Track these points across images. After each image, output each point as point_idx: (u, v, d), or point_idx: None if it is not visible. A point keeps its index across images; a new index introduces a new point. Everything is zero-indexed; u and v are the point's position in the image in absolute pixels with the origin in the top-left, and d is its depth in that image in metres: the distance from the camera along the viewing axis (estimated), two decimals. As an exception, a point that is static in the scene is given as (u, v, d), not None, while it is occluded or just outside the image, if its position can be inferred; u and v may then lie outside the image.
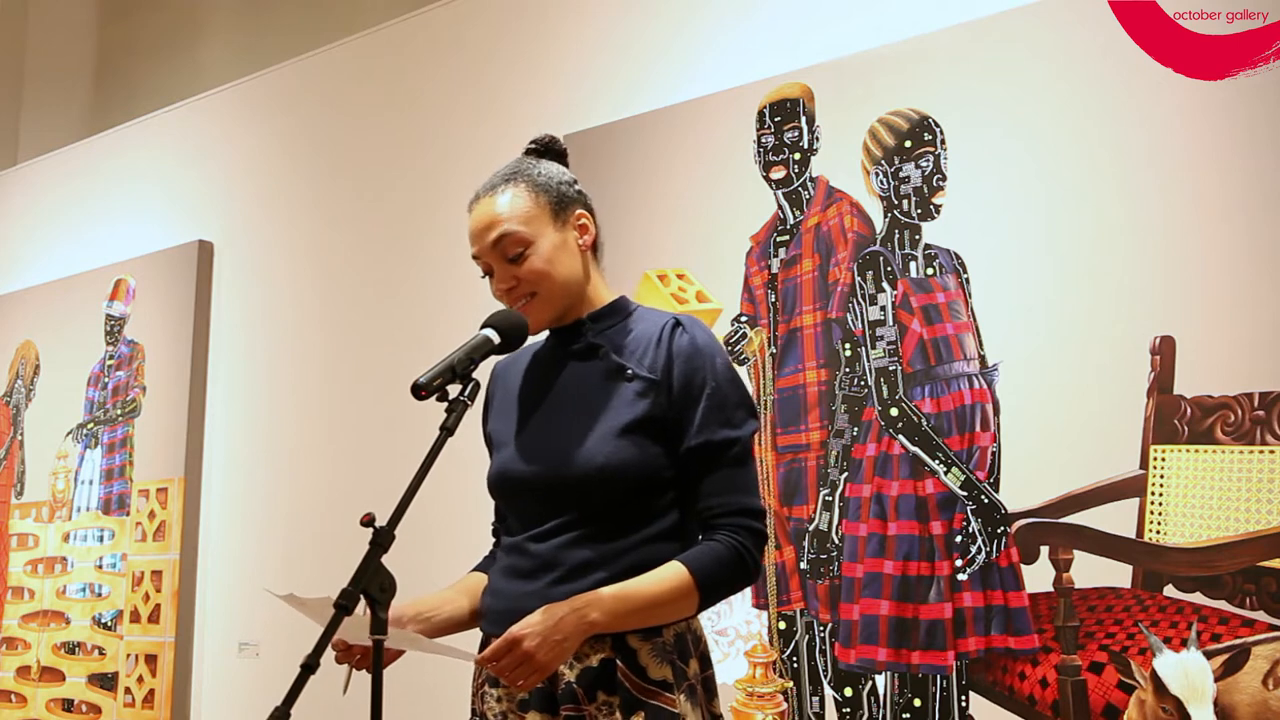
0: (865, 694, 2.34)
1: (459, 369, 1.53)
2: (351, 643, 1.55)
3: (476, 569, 1.80)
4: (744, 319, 2.63)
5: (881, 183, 2.45)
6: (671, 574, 1.52)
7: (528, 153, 1.75)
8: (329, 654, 1.45)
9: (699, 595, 1.53)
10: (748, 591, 2.51)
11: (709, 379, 1.59)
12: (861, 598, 2.35)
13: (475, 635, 1.73)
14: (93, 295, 4.24)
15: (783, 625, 2.47)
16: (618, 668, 1.52)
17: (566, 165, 1.76)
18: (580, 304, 1.69)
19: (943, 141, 2.38)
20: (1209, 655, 1.97)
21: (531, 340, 1.72)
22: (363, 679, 1.54)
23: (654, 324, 1.65)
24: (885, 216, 2.44)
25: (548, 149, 1.76)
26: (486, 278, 1.69)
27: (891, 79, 2.46)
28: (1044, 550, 2.17)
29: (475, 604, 1.72)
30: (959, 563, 2.25)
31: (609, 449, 1.57)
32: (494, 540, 1.82)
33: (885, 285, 2.41)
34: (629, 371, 1.61)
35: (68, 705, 3.97)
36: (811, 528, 2.45)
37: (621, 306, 1.71)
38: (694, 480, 1.59)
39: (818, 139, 2.56)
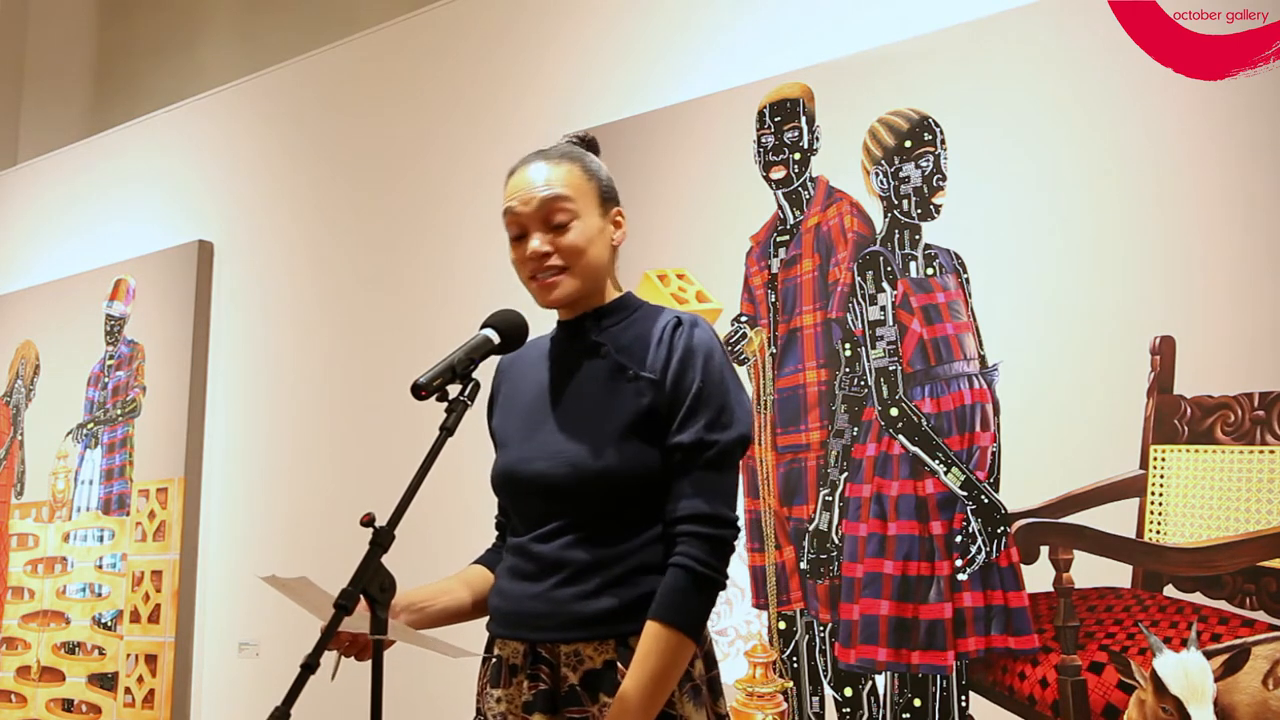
0: (865, 694, 2.34)
1: (459, 369, 1.53)
2: (340, 631, 1.54)
3: (478, 561, 1.79)
4: (744, 319, 2.63)
5: (881, 183, 2.45)
6: (656, 641, 1.49)
7: (570, 144, 1.75)
8: (329, 655, 1.45)
9: (688, 635, 1.50)
10: (748, 591, 2.52)
11: (695, 379, 1.57)
12: (861, 598, 2.35)
13: (463, 630, 1.72)
14: (93, 295, 4.24)
15: (783, 625, 2.47)
16: (619, 670, 1.52)
17: None
18: (593, 297, 1.68)
19: (943, 141, 2.38)
20: (1209, 655, 1.97)
21: (534, 336, 1.71)
22: (358, 674, 1.54)
23: (657, 323, 1.64)
24: (885, 216, 2.44)
25: (590, 145, 1.76)
26: (514, 242, 1.65)
27: (891, 79, 2.46)
28: (1044, 550, 2.17)
29: (477, 596, 1.71)
30: (959, 563, 2.25)
31: (611, 452, 1.56)
32: (498, 533, 1.82)
33: (885, 285, 2.41)
34: (630, 372, 1.61)
35: (68, 705, 3.97)
36: (811, 528, 2.45)
37: (627, 303, 1.71)
38: (669, 482, 1.57)
39: (818, 139, 2.56)
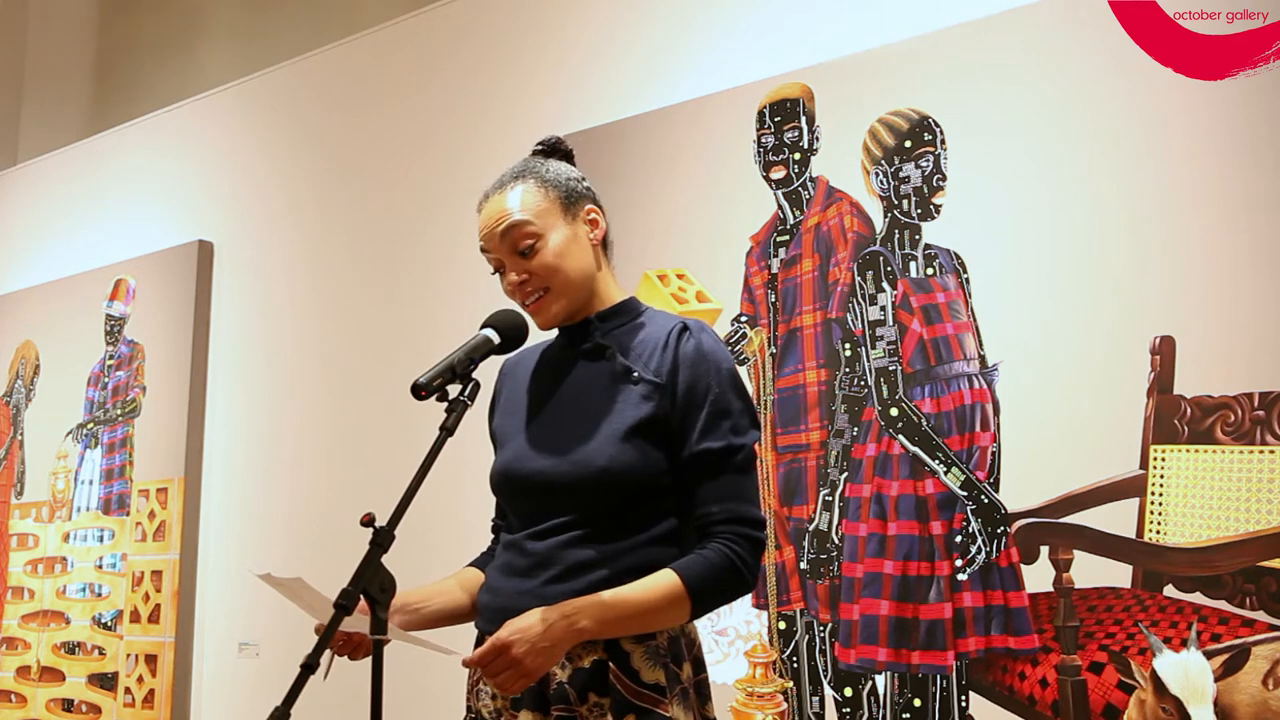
0: (865, 694, 2.34)
1: (459, 369, 1.54)
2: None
3: (472, 564, 1.80)
4: (744, 319, 2.63)
5: (881, 183, 2.45)
6: (663, 582, 1.51)
7: (534, 154, 1.76)
8: (329, 655, 1.45)
9: (690, 603, 1.52)
10: (748, 591, 2.51)
11: (713, 385, 1.59)
12: (861, 598, 2.35)
13: (456, 630, 1.72)
14: (93, 295, 4.24)
15: (783, 625, 2.47)
16: (610, 670, 1.52)
17: (573, 165, 1.76)
18: (591, 301, 1.69)
19: (943, 141, 2.38)
20: (1209, 655, 1.97)
21: (540, 338, 1.72)
22: (357, 674, 1.54)
23: (661, 327, 1.65)
24: (885, 216, 2.44)
25: (554, 149, 1.76)
26: (497, 275, 1.69)
27: (891, 79, 2.46)
28: (1044, 550, 2.17)
29: (474, 597, 1.72)
30: (959, 563, 2.25)
31: (611, 452, 1.56)
32: (493, 536, 1.82)
33: (885, 285, 2.41)
34: (635, 374, 1.61)
35: (68, 705, 3.97)
36: (811, 528, 2.45)
37: (630, 307, 1.71)
38: (693, 487, 1.58)
39: (818, 139, 2.57)
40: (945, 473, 2.28)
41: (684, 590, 1.51)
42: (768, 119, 2.64)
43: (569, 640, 1.46)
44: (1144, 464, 2.08)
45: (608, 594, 1.49)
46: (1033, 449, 2.20)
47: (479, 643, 1.67)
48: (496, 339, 1.62)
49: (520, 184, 1.66)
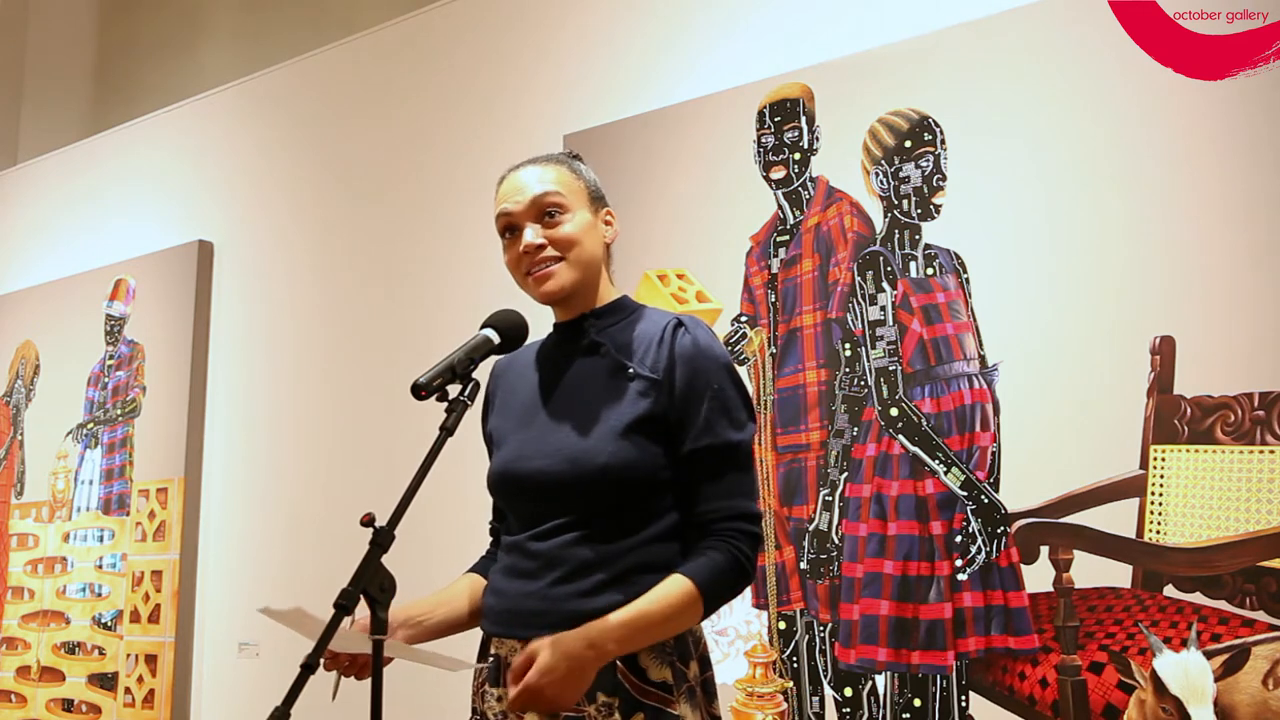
0: (865, 694, 2.34)
1: (459, 369, 1.54)
2: (339, 651, 1.55)
3: (472, 569, 1.80)
4: (744, 319, 2.63)
5: (881, 183, 2.45)
6: (676, 589, 1.51)
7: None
8: (330, 675, 1.46)
9: (703, 606, 1.53)
10: (747, 591, 2.51)
11: (712, 380, 1.59)
12: (861, 598, 2.35)
13: (462, 642, 1.72)
14: (93, 295, 4.24)
15: (783, 625, 2.47)
16: (617, 669, 1.52)
17: None
18: (589, 294, 1.69)
19: (943, 141, 2.38)
20: (1209, 655, 1.97)
21: (531, 339, 1.72)
22: (357, 682, 1.54)
23: (656, 324, 1.66)
24: (885, 216, 2.44)
25: (575, 159, 1.80)
26: (504, 239, 1.68)
27: (891, 79, 2.46)
28: (1044, 550, 2.17)
29: (475, 605, 1.71)
30: (959, 563, 2.25)
31: (611, 449, 1.57)
32: (491, 540, 1.82)
33: (885, 285, 2.41)
34: (630, 370, 1.61)
35: (68, 705, 3.97)
36: (811, 528, 2.45)
37: (624, 305, 1.72)
38: (694, 482, 1.58)
39: (818, 139, 2.57)
40: (945, 473, 2.28)
41: (697, 594, 1.51)
42: (768, 119, 2.64)
43: (599, 666, 1.47)
44: (1144, 464, 2.08)
45: (626, 613, 1.49)
46: (1033, 449, 2.20)
47: (484, 644, 1.67)
48: (496, 339, 1.62)
49: (556, 165, 1.70)
